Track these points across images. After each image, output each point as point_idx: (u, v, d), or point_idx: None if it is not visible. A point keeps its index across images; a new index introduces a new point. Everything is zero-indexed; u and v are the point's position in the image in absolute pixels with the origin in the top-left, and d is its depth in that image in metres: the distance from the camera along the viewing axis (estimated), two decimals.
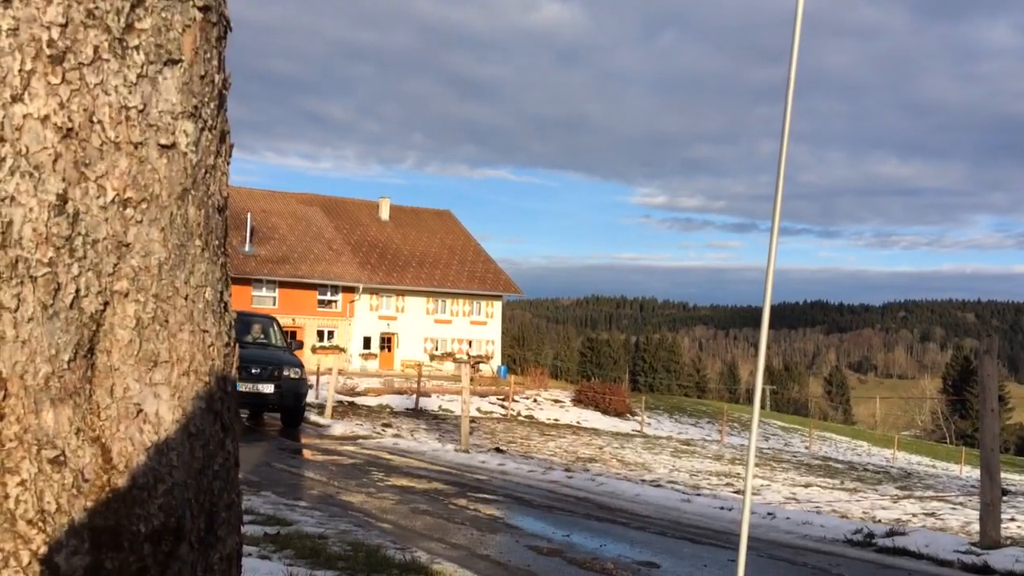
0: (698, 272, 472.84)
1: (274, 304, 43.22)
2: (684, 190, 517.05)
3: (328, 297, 46.58)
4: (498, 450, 16.67)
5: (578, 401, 35.01)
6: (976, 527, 6.87)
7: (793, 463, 26.15)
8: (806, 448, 36.93)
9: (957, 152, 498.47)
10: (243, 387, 12.95)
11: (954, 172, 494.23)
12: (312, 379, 23.16)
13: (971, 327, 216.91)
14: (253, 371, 13.44)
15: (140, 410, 1.39)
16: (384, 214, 54.05)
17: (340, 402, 22.23)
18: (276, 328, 15.88)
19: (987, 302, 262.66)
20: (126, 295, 1.37)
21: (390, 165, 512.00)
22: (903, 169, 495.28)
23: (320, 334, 46.00)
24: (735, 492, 12.72)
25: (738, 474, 18.26)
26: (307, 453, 11.65)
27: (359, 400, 25.34)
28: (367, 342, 47.85)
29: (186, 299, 1.45)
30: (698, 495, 10.23)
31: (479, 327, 51.52)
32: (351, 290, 47.02)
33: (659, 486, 11.61)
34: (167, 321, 1.42)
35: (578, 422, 30.37)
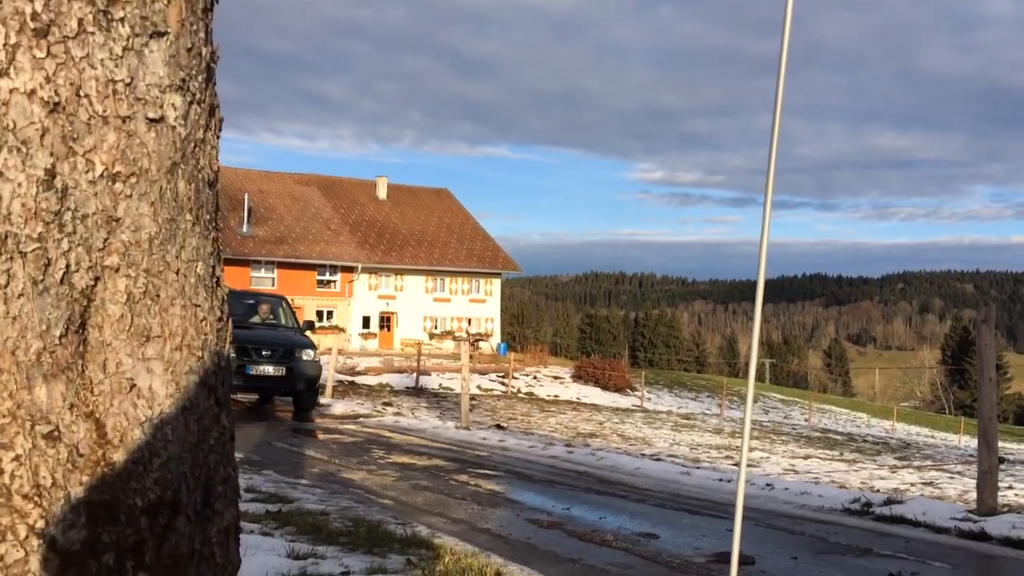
0: (696, 247, 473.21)
1: (273, 285, 43.20)
2: (682, 165, 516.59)
3: (327, 277, 46.57)
4: (499, 427, 16.74)
5: (578, 377, 35.11)
6: (974, 495, 6.91)
7: (792, 435, 26.28)
8: (805, 420, 37.11)
9: (955, 123, 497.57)
10: (253, 370, 12.54)
11: (952, 143, 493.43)
12: None
13: (969, 298, 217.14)
14: (263, 353, 12.75)
15: (133, 385, 1.39)
16: (381, 193, 53.91)
17: (340, 382, 22.29)
18: (286, 308, 15.24)
19: (985, 272, 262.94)
20: (117, 270, 1.37)
21: (387, 144, 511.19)
22: (900, 141, 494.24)
23: (319, 314, 45.98)
24: (734, 465, 12.79)
25: (738, 447, 18.35)
26: (307, 432, 11.70)
27: (359, 379, 25.41)
28: (366, 321, 47.90)
29: (177, 274, 1.44)
30: (697, 468, 10.29)
31: (478, 305, 51.55)
32: (350, 270, 47.00)
33: (659, 460, 11.68)
34: (158, 296, 1.42)
35: (578, 398, 30.48)
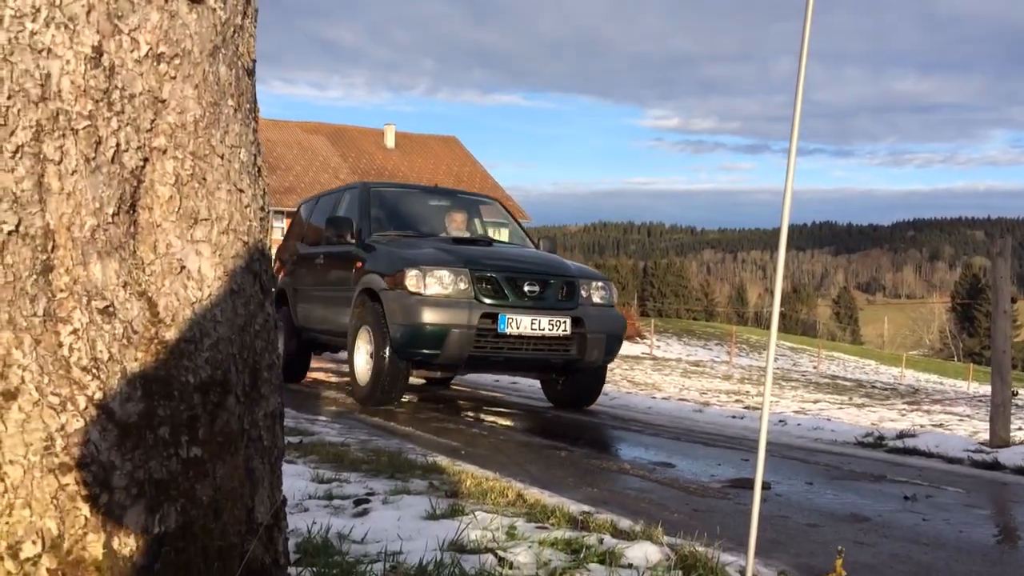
0: (708, 195, 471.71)
1: (283, 235, 43.27)
2: (698, 111, 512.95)
3: None
4: None
5: None
6: (984, 436, 6.97)
7: (802, 382, 26.39)
8: (814, 368, 37.25)
9: (977, 65, 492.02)
10: (510, 326, 6.62)
11: (973, 86, 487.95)
12: None
13: (980, 245, 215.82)
14: (527, 289, 6.77)
15: (183, 267, 1.42)
16: (389, 141, 53.59)
17: None
18: (505, 213, 9.10)
19: (997, 219, 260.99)
20: (164, 152, 1.39)
21: (399, 92, 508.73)
22: (922, 85, 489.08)
23: None
24: (745, 408, 12.89)
25: (748, 392, 18.46)
26: (322, 375, 11.82)
27: None
28: None
29: (222, 158, 1.46)
30: (710, 407, 10.37)
31: None
32: None
33: (670, 401, 11.77)
34: (205, 179, 1.44)
35: None
